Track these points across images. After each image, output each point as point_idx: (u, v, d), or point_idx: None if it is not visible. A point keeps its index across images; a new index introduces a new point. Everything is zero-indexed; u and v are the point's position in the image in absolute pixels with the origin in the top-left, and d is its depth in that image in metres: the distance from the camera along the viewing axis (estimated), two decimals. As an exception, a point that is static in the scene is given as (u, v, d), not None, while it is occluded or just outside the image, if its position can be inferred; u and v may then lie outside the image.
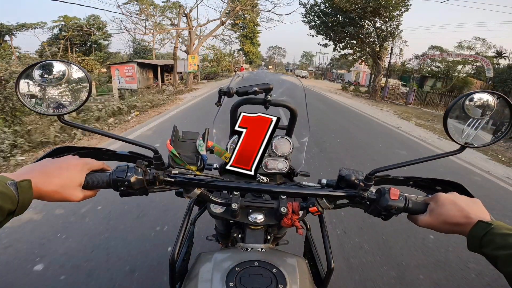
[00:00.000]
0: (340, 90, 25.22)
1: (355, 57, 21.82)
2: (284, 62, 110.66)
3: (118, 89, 16.37)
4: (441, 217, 0.56)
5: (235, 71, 29.72)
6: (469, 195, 0.62)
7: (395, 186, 0.67)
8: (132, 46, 38.26)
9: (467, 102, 0.55)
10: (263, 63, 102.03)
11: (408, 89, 18.85)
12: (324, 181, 0.72)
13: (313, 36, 20.66)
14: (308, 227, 0.98)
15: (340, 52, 21.54)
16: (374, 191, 0.65)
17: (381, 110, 12.70)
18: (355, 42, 19.38)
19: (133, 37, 33.88)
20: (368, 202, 0.64)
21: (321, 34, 20.15)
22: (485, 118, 0.56)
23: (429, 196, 0.63)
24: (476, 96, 0.55)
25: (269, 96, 0.81)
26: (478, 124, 0.57)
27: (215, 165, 0.97)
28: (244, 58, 54.96)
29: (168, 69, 22.74)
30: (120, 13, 20.57)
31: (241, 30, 46.07)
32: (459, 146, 0.58)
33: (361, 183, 0.63)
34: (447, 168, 4.58)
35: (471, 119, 0.56)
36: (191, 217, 0.90)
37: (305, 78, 48.60)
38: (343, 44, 20.29)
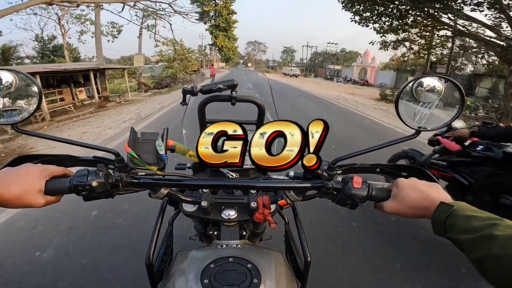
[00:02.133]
0: (376, 101, 13.73)
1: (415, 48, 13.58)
2: (264, 59, 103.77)
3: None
4: (404, 201, 0.56)
5: (198, 71, 21.98)
6: (431, 180, 0.63)
7: (364, 174, 0.67)
8: (38, 46, 26.38)
9: (415, 86, 0.56)
10: (241, 61, 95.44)
11: None
12: (292, 173, 0.72)
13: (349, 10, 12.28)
14: (287, 221, 0.98)
15: (384, 36, 12.86)
16: (340, 181, 0.65)
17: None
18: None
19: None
20: (334, 192, 0.64)
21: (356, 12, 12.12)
22: (435, 101, 0.57)
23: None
24: (425, 81, 0.56)
25: (234, 93, 0.81)
26: (429, 108, 0.58)
27: (188, 164, 0.96)
28: (218, 55, 45.69)
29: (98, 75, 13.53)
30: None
31: (213, 20, 36.54)
32: (414, 130, 0.60)
33: (324, 173, 0.64)
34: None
35: (421, 103, 0.57)
36: (168, 218, 0.90)
37: (296, 77, 40.79)
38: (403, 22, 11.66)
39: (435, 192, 0.54)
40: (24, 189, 0.53)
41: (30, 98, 0.58)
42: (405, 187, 0.57)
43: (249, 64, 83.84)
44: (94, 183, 0.57)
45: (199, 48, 37.13)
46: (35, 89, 0.57)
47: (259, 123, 0.99)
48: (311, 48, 61.79)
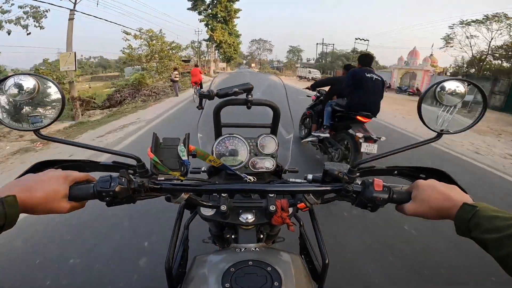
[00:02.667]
0: None
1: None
2: (269, 59, 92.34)
3: None
4: (425, 202, 0.56)
5: (172, 80, 13.56)
6: (451, 181, 0.63)
7: (381, 176, 0.67)
8: None
9: (438, 90, 0.57)
10: (244, 62, 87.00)
11: None
12: (310, 176, 0.73)
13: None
14: (301, 223, 0.99)
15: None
16: (359, 183, 0.65)
17: None
18: None
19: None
20: (354, 195, 0.64)
21: None
22: (457, 105, 0.57)
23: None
24: (447, 84, 0.56)
25: (250, 96, 0.82)
26: (452, 111, 0.58)
27: (203, 168, 0.97)
28: (217, 54, 34.52)
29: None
30: None
31: (209, 9, 26.38)
32: (436, 133, 0.60)
33: (344, 177, 0.64)
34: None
35: (444, 107, 0.58)
36: (184, 222, 0.90)
37: (315, 81, 32.19)
38: None
39: (455, 193, 0.54)
40: (48, 196, 0.53)
41: (52, 104, 0.58)
42: (425, 188, 0.57)
43: (253, 65, 75.15)
44: (118, 189, 0.57)
45: (191, 44, 27.11)
46: (57, 95, 0.57)
47: (274, 126, 1.00)
48: (327, 46, 52.91)
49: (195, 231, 1.03)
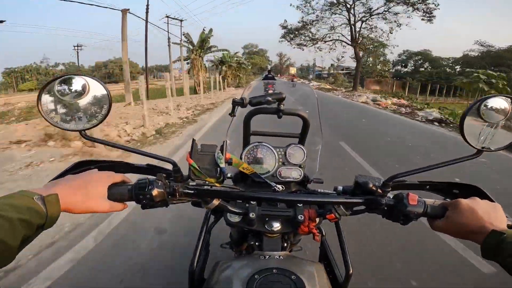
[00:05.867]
0: None
1: None
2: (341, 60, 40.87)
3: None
4: (457, 225, 0.56)
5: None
6: (488, 199, 0.62)
7: (412, 191, 0.66)
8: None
9: (482, 107, 0.56)
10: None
11: None
12: (340, 188, 0.73)
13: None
14: (324, 233, 0.98)
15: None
16: (391, 197, 0.65)
17: None
18: None
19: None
20: (386, 208, 0.64)
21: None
22: (500, 122, 0.57)
23: (448, 200, 0.63)
24: (491, 101, 0.56)
25: (282, 106, 0.83)
26: (494, 128, 0.58)
27: (229, 174, 0.97)
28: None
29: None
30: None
31: None
32: (476, 150, 0.59)
33: (378, 190, 0.64)
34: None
35: (487, 123, 0.57)
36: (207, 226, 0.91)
37: None
38: None
39: (493, 217, 0.54)
40: (89, 195, 0.54)
41: (99, 105, 0.58)
42: (463, 210, 0.56)
43: (293, 71, 38.99)
44: (154, 192, 0.58)
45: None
46: (105, 96, 0.58)
47: (302, 136, 1.01)
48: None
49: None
